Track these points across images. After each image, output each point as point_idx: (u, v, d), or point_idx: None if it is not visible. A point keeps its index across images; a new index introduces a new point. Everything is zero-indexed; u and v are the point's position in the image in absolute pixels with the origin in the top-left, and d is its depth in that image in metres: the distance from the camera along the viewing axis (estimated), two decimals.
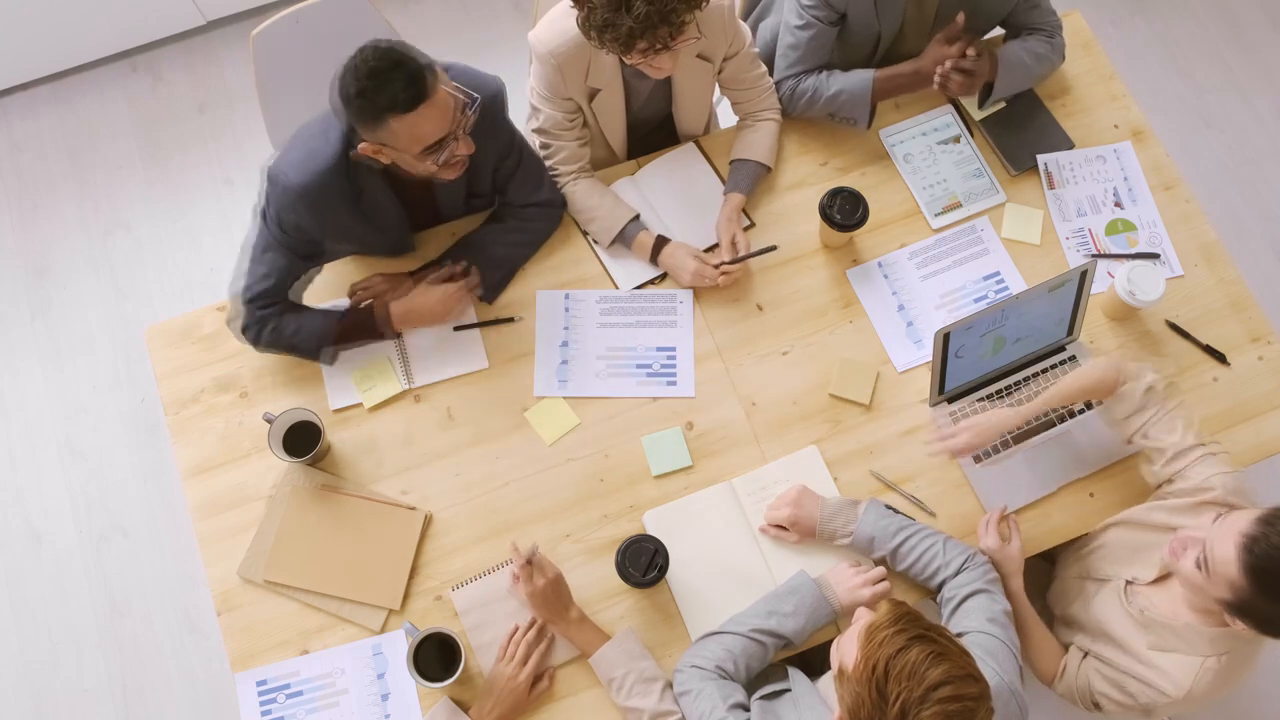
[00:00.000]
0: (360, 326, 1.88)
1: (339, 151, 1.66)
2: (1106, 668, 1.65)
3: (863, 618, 1.32)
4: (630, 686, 1.63)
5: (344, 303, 1.94)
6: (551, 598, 1.68)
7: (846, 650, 1.28)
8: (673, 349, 1.96)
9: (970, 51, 1.93)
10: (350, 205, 1.75)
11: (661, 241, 1.97)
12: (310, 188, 1.68)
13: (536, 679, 1.71)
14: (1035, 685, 1.99)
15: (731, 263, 1.93)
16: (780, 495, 1.80)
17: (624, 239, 1.98)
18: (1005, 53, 2.01)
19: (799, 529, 1.76)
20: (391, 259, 1.99)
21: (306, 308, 1.89)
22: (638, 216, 1.99)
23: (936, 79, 1.95)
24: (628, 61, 1.74)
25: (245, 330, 1.84)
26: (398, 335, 1.92)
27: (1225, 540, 1.39)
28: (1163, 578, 1.62)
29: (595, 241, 2.02)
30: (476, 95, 1.65)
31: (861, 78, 2.01)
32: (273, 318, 1.83)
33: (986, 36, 2.17)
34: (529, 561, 1.67)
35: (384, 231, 1.88)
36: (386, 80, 1.50)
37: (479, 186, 1.91)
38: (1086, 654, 1.70)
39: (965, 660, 1.23)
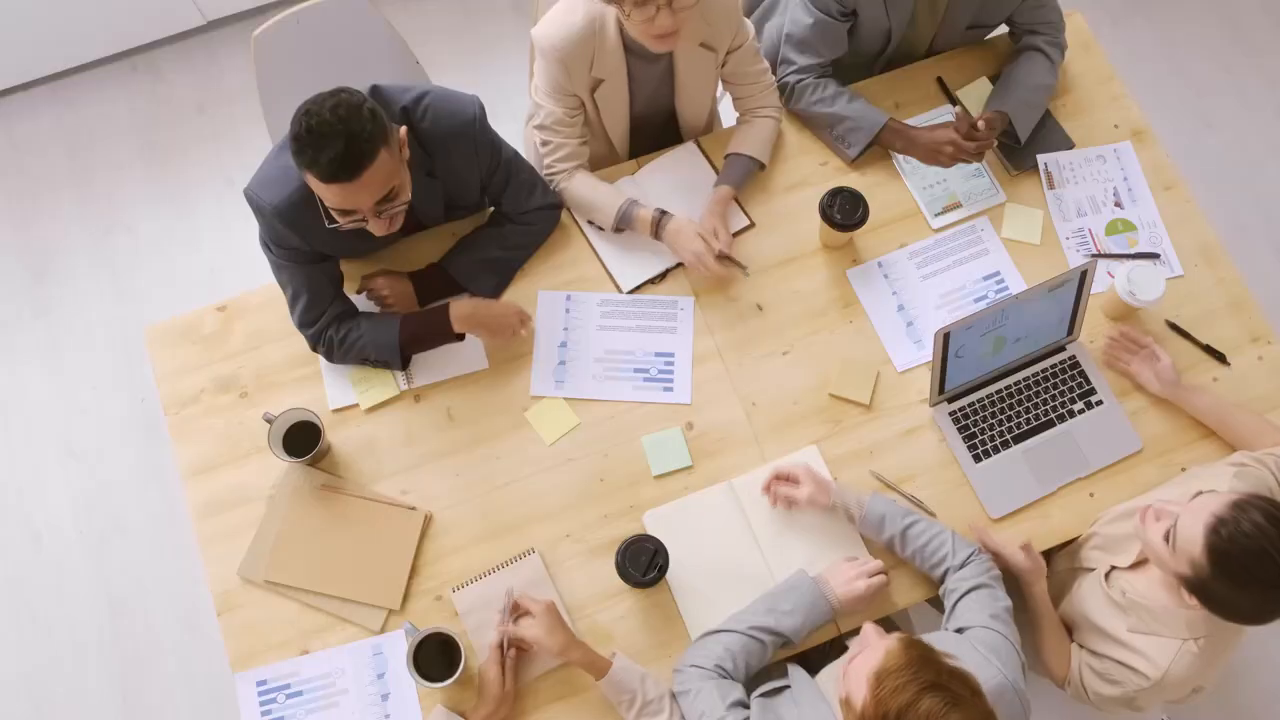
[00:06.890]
0: (422, 335, 1.88)
1: None
2: (1093, 658, 1.66)
3: (869, 637, 1.33)
4: (640, 707, 1.62)
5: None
6: (555, 624, 1.66)
7: (854, 686, 1.28)
8: (671, 355, 1.95)
9: (980, 124, 1.95)
10: (326, 216, 1.74)
11: (664, 216, 1.95)
12: (283, 205, 1.69)
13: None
14: (1037, 683, 1.99)
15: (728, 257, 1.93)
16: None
17: (626, 219, 1.97)
18: (1012, 106, 2.01)
19: (810, 477, 1.75)
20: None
21: (367, 315, 1.88)
22: (635, 200, 1.99)
23: (949, 153, 1.97)
24: (629, 28, 1.74)
25: (317, 350, 1.88)
26: (460, 337, 1.90)
27: (1196, 518, 1.42)
28: (1141, 562, 1.64)
29: (600, 228, 2.01)
30: (408, 199, 1.64)
31: (875, 117, 2.02)
32: (333, 329, 1.84)
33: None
34: (515, 605, 1.68)
35: (364, 238, 1.87)
36: (323, 145, 1.49)
37: (461, 200, 1.91)
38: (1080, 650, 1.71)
39: (979, 704, 1.24)
